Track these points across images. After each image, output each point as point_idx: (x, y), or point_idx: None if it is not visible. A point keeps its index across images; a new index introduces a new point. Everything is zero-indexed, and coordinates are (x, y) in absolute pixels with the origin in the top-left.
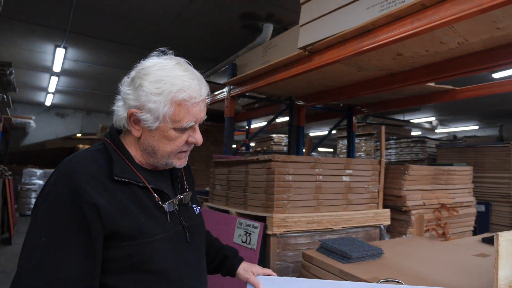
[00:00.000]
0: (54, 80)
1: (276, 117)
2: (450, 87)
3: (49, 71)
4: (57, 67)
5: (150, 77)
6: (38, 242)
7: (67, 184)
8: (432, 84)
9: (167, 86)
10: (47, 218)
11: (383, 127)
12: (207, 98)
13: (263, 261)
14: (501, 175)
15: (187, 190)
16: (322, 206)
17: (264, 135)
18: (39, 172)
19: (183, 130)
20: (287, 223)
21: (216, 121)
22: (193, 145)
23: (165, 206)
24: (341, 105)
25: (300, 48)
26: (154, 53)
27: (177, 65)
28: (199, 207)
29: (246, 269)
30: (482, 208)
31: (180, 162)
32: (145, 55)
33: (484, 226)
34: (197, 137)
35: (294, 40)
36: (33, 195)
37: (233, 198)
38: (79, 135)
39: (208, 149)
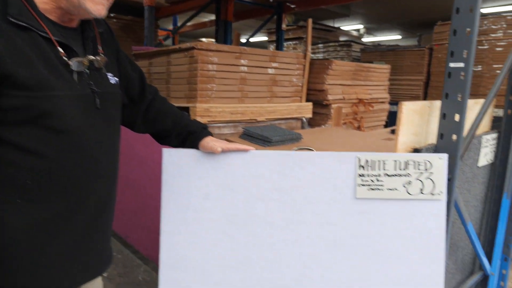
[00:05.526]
0: None
1: (202, 9)
2: None
3: None
4: None
5: None
6: None
7: None
8: None
9: None
10: None
11: (310, 20)
12: None
13: None
14: (415, 78)
15: (102, 55)
16: (247, 98)
17: (193, 40)
18: None
19: None
20: (211, 113)
21: (137, 15)
22: None
23: (72, 63)
24: (271, 0)
25: None
26: None
27: None
28: (116, 79)
29: (213, 140)
30: (395, 108)
31: (96, 7)
32: None
33: (395, 124)
34: None
35: None
36: None
37: None
38: None
39: (129, 48)
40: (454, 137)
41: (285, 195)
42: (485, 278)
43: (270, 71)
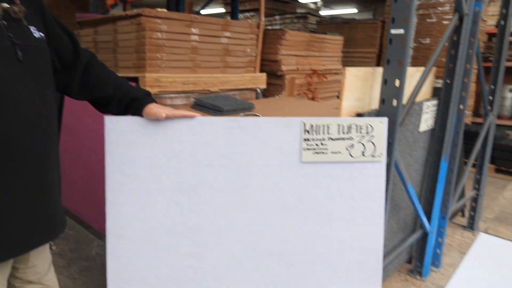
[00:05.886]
0: None
1: None
2: None
3: None
4: None
5: None
6: None
7: None
8: None
9: None
10: None
11: None
12: None
13: None
14: (368, 50)
15: (20, 5)
16: (199, 68)
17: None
18: None
19: None
20: (161, 83)
21: None
22: None
23: None
24: None
25: None
26: None
27: None
28: (41, 34)
29: (157, 107)
30: None
31: None
32: None
33: None
34: None
35: None
36: None
37: (102, 61)
38: None
39: (73, 16)
40: (395, 102)
41: (233, 161)
42: (425, 236)
43: (222, 40)
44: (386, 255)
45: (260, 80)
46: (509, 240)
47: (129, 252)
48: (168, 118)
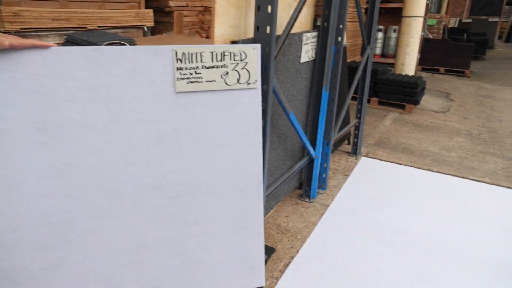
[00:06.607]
0: None
1: None
2: None
3: None
4: None
5: None
6: None
7: None
8: None
9: None
10: None
11: None
12: None
13: None
14: None
15: None
16: (72, 2)
17: None
18: None
19: None
20: (24, 18)
21: None
22: None
23: None
24: None
25: None
26: None
27: None
28: None
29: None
30: None
31: None
32: None
33: None
34: None
35: None
36: None
37: None
38: None
39: None
40: (268, 29)
41: (99, 94)
42: (311, 162)
43: None
44: (274, 181)
45: (146, 17)
46: (384, 160)
47: None
48: (15, 48)
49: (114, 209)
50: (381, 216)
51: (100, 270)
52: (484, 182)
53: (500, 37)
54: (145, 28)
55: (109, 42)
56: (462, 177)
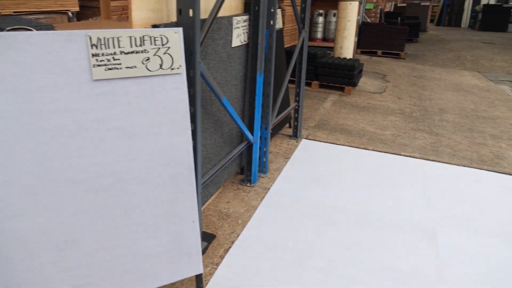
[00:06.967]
0: None
1: None
2: None
3: None
4: None
5: None
6: None
7: None
8: None
9: None
10: None
11: None
12: None
13: None
14: None
15: None
16: None
17: None
18: None
19: None
20: None
21: None
22: None
23: None
24: None
25: None
26: None
27: None
28: None
29: None
30: None
31: None
32: None
33: None
34: None
35: None
36: None
37: None
38: None
39: None
40: (191, 12)
41: (8, 85)
42: (250, 146)
43: None
44: (212, 167)
45: (70, 2)
46: (324, 141)
47: None
48: None
49: (31, 207)
50: (319, 195)
51: (21, 272)
52: (414, 157)
53: (432, 21)
54: (70, 14)
55: (12, 27)
56: (395, 154)
